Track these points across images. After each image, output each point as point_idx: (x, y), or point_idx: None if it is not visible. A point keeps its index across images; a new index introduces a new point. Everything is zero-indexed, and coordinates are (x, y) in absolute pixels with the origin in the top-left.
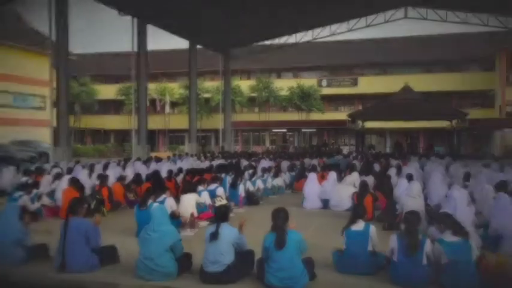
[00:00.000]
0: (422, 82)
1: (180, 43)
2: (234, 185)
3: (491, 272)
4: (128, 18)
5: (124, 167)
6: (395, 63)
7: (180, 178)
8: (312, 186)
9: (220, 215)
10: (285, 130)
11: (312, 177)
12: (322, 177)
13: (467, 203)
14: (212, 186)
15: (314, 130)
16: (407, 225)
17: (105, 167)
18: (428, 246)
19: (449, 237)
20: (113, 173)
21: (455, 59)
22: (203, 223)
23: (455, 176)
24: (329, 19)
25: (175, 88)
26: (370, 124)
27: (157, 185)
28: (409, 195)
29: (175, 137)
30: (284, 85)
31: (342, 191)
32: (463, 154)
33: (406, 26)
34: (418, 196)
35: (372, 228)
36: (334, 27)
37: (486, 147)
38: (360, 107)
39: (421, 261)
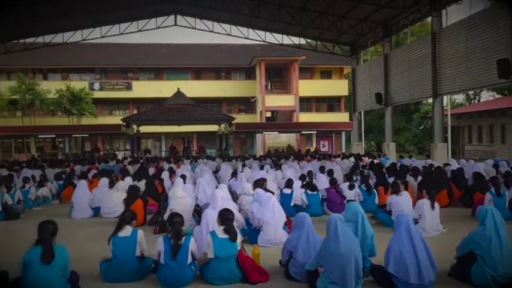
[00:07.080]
0: (194, 88)
1: None
2: None
3: (248, 262)
4: None
5: None
6: (168, 68)
7: None
8: (81, 194)
9: None
10: (53, 136)
11: (82, 184)
12: (93, 184)
13: (231, 200)
14: None
15: (87, 135)
16: (172, 227)
17: None
18: (193, 244)
19: (221, 233)
20: None
21: (223, 67)
22: None
23: (223, 176)
24: (98, 21)
25: None
26: (145, 128)
27: None
28: (176, 197)
29: None
30: (52, 87)
31: (113, 197)
32: (232, 156)
33: (178, 33)
34: (186, 197)
35: (140, 233)
36: (105, 30)
37: (251, 149)
38: (135, 111)
39: (185, 262)
